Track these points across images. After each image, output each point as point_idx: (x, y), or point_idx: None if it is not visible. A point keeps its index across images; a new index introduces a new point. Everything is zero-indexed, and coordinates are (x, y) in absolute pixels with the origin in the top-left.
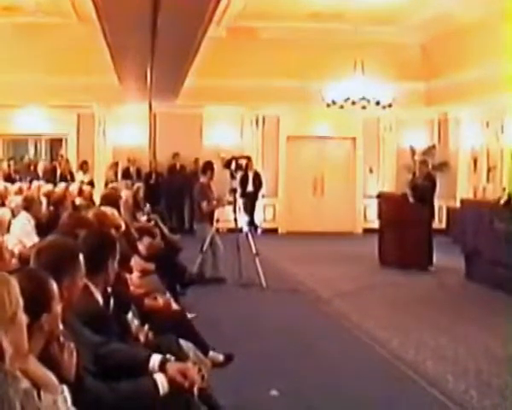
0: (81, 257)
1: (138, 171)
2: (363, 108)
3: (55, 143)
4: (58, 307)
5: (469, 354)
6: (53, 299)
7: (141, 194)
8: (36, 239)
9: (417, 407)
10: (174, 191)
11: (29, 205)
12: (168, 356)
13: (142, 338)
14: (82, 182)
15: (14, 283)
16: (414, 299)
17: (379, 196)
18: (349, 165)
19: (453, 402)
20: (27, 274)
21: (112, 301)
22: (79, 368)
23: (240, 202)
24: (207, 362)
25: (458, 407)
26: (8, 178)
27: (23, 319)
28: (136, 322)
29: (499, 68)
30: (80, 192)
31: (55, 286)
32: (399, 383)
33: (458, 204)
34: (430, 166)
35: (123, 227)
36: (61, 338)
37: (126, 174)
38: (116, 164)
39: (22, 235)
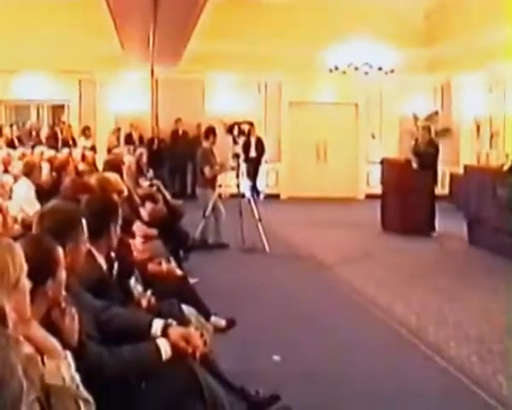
0: (84, 222)
1: (141, 137)
2: (366, 73)
3: (57, 109)
4: (63, 274)
5: (471, 319)
6: (58, 266)
7: (144, 159)
8: (37, 206)
9: (418, 372)
10: (177, 157)
11: (29, 171)
12: (170, 321)
13: (144, 303)
14: (84, 147)
15: (18, 248)
16: (416, 265)
17: (382, 161)
18: (351, 131)
19: (455, 367)
20: (34, 240)
21: (115, 267)
22: (82, 334)
23: (243, 167)
24: (209, 327)
25: (460, 373)
26: (11, 144)
27: (26, 284)
28: (139, 287)
29: (502, 35)
30: (83, 158)
31: (61, 253)
32: (401, 349)
33: (461, 170)
34: (433, 133)
35: (125, 193)
36: (63, 304)
37: (129, 140)
38: (118, 130)
39: (23, 201)
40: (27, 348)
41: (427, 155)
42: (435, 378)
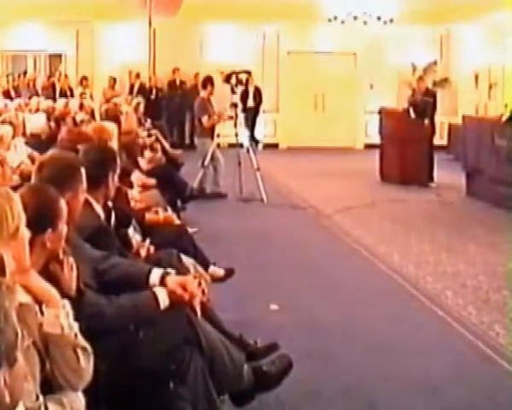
0: (83, 171)
1: (139, 86)
2: (365, 23)
3: (55, 60)
4: (64, 226)
5: (469, 270)
6: (59, 217)
7: (141, 109)
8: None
9: (416, 321)
10: (175, 106)
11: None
12: (169, 270)
13: (143, 253)
14: (81, 95)
15: (17, 198)
16: (414, 215)
17: (380, 111)
18: (350, 81)
19: (452, 318)
20: (34, 189)
21: (113, 216)
22: (80, 283)
23: (241, 116)
24: (208, 277)
25: (456, 323)
26: (7, 95)
27: (25, 234)
28: (137, 237)
29: None
30: (81, 107)
31: (63, 205)
32: (399, 298)
33: (460, 121)
34: (430, 82)
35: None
36: (61, 255)
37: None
38: (114, 79)
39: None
40: (24, 297)
41: (424, 105)
42: (432, 328)
